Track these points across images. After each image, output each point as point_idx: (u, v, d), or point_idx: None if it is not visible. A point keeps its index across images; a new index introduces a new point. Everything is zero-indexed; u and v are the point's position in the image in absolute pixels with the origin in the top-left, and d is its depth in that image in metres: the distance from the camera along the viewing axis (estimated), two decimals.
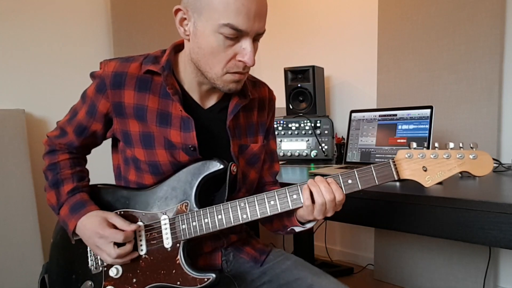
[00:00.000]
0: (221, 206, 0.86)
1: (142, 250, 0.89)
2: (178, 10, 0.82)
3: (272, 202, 0.83)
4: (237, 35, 0.78)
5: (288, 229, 0.95)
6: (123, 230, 0.85)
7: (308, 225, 0.90)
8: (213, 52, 0.80)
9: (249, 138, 0.98)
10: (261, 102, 1.02)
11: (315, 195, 0.81)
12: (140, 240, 0.89)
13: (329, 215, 0.83)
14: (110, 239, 0.84)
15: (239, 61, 0.81)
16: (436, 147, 0.79)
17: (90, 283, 0.91)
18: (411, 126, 1.50)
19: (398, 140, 1.52)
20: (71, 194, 0.91)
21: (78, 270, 0.93)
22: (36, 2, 1.76)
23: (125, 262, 0.87)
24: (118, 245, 0.85)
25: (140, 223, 0.89)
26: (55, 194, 0.92)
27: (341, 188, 0.81)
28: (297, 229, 0.93)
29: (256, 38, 0.82)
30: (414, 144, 0.80)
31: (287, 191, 0.83)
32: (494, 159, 1.48)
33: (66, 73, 1.84)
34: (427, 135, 1.45)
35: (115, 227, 0.86)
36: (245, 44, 0.80)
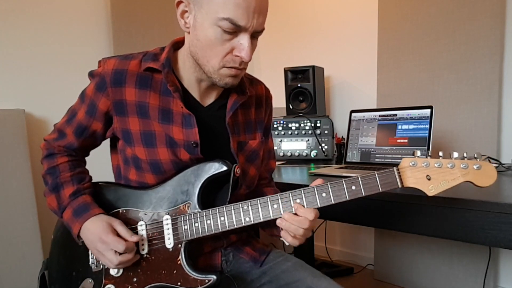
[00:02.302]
0: (224, 208, 0.86)
1: (143, 249, 0.89)
2: (180, 2, 0.83)
3: (275, 206, 0.83)
4: (235, 30, 0.78)
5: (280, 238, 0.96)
6: (124, 239, 0.85)
7: None
8: (211, 44, 0.80)
9: (247, 135, 0.99)
10: (258, 99, 1.03)
11: (295, 232, 0.82)
12: (142, 240, 0.89)
13: (310, 234, 0.85)
14: (111, 246, 0.83)
15: (236, 56, 0.82)
16: (441, 156, 0.79)
17: (90, 280, 0.91)
18: (411, 126, 1.51)
19: (398, 140, 1.52)
20: (73, 197, 0.90)
21: (78, 267, 0.93)
22: (36, 2, 1.75)
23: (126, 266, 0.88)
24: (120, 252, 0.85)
25: (143, 232, 0.89)
26: (55, 198, 0.91)
27: (308, 209, 0.82)
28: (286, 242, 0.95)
29: (254, 36, 0.82)
30: (418, 153, 0.80)
31: (290, 195, 0.83)
32: (494, 159, 1.49)
33: (66, 73, 1.84)
34: (427, 135, 1.45)
35: (118, 234, 0.86)
36: (243, 39, 0.80)
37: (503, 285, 1.88)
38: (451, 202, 0.98)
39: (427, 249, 2.00)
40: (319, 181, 0.84)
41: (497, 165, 1.45)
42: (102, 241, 0.84)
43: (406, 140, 1.50)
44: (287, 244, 0.91)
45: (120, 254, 0.84)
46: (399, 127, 1.54)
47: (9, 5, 1.67)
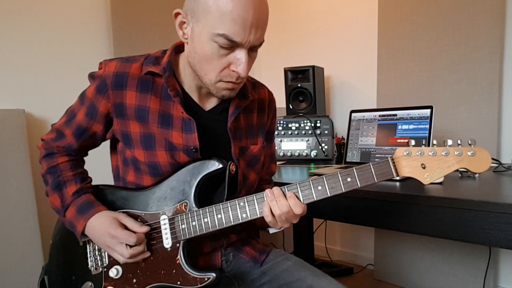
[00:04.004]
0: (221, 205, 0.86)
1: None
2: (177, 14, 0.83)
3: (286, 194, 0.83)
4: (231, 45, 0.78)
5: (266, 229, 0.97)
6: (134, 231, 0.85)
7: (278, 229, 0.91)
8: (208, 59, 0.80)
9: (249, 139, 0.98)
10: (260, 103, 1.03)
11: (273, 209, 0.81)
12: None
13: (294, 221, 0.84)
14: (121, 240, 0.83)
15: (233, 71, 0.81)
16: (435, 144, 0.79)
17: (90, 284, 0.91)
18: (411, 126, 1.50)
19: (398, 140, 1.52)
20: (76, 196, 0.90)
21: (78, 271, 0.93)
22: (36, 2, 1.75)
23: (137, 260, 0.87)
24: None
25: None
26: (58, 197, 0.91)
27: (300, 202, 0.81)
28: (271, 230, 0.95)
29: (253, 49, 0.82)
30: (413, 142, 0.80)
31: (286, 189, 0.83)
32: (494, 159, 1.49)
33: (66, 73, 1.84)
34: (427, 135, 1.45)
35: (126, 227, 0.86)
36: (240, 54, 0.79)
37: (503, 285, 1.87)
38: (451, 202, 0.98)
39: (427, 249, 2.00)
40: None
41: (497, 165, 1.44)
42: (111, 235, 0.84)
43: (406, 140, 1.50)
44: (271, 230, 0.91)
45: (130, 247, 0.84)
46: (399, 127, 1.54)
47: (9, 5, 1.67)
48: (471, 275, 1.86)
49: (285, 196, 0.82)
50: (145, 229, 0.86)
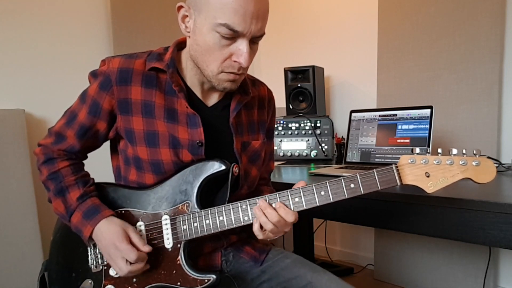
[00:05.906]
0: (223, 207, 0.86)
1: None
2: (180, 7, 0.84)
3: (274, 205, 0.83)
4: (233, 35, 0.79)
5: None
6: (137, 248, 0.84)
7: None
8: (209, 49, 0.81)
9: (250, 135, 0.99)
10: (260, 100, 1.04)
11: (263, 225, 0.82)
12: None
13: (286, 230, 0.84)
14: (122, 254, 0.83)
15: (234, 62, 0.82)
16: (439, 153, 0.79)
17: (90, 281, 0.91)
18: (411, 126, 1.50)
19: (398, 140, 1.52)
20: (81, 200, 0.89)
21: (78, 268, 0.93)
22: (36, 2, 1.75)
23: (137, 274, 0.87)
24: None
25: (142, 232, 0.89)
26: (62, 202, 0.89)
27: (291, 211, 0.81)
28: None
29: (254, 41, 0.83)
30: (417, 150, 0.79)
31: (289, 193, 0.83)
32: (494, 159, 1.49)
33: (66, 73, 1.84)
34: (427, 135, 1.45)
35: (131, 242, 0.85)
36: (241, 45, 0.80)
37: (503, 285, 1.88)
38: (451, 202, 0.98)
39: (427, 249, 2.00)
40: (302, 183, 0.84)
41: (497, 165, 1.44)
42: (115, 247, 0.83)
43: (406, 140, 1.50)
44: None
45: (131, 263, 0.83)
46: (399, 127, 1.54)
47: (9, 5, 1.67)
48: (471, 275, 1.86)
49: (272, 206, 0.81)
50: (147, 248, 0.85)
